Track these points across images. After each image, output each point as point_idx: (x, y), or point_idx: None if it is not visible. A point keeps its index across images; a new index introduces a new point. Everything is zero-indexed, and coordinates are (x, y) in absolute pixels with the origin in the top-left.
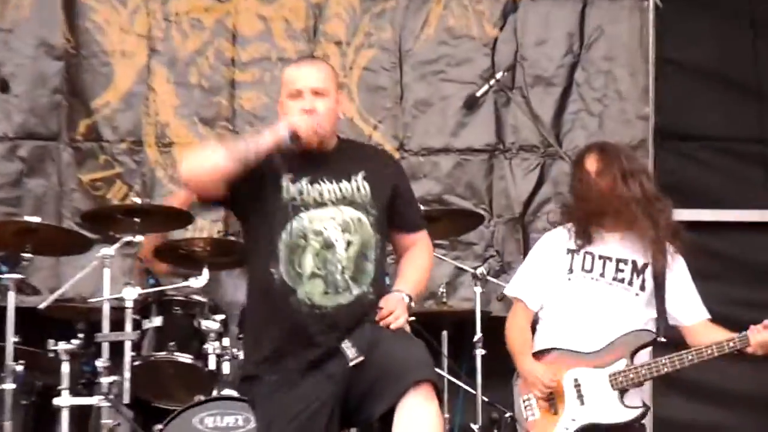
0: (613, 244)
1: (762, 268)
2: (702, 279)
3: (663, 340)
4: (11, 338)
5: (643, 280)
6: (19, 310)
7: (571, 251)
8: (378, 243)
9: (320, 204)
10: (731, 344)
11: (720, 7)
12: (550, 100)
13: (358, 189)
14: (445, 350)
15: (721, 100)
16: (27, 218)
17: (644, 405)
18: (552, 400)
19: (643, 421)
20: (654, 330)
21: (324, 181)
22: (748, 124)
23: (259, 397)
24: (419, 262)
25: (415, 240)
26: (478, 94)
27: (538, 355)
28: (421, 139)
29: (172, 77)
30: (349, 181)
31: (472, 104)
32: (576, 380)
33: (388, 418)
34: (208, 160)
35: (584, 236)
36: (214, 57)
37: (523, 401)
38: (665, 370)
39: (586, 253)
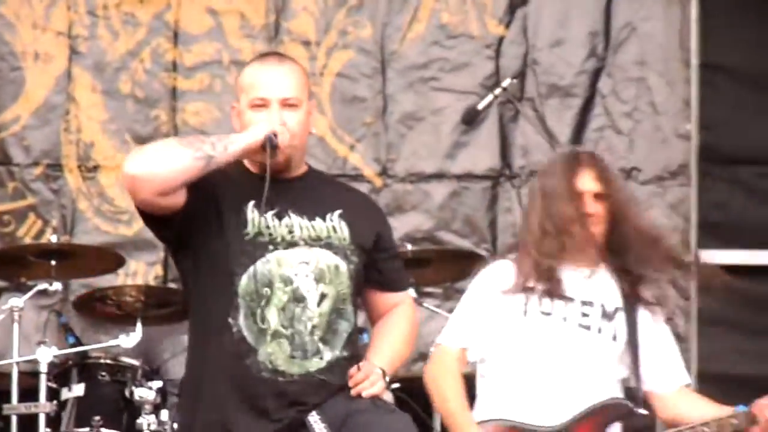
0: (574, 283)
1: None
2: (752, 334)
3: (644, 412)
4: None
5: (615, 329)
6: None
7: (525, 289)
8: (354, 297)
9: (290, 244)
10: (734, 422)
11: None
12: (569, 114)
13: (334, 230)
14: (438, 425)
15: None
16: None
17: None
18: None
19: None
20: (624, 397)
21: (292, 216)
22: None
23: None
24: (399, 330)
25: (396, 302)
26: (480, 106)
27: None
28: (408, 162)
29: (98, 85)
30: (323, 218)
31: (471, 119)
32: None
33: None
34: (171, 154)
35: (550, 277)
36: (151, 60)
37: None
38: None
39: (543, 291)
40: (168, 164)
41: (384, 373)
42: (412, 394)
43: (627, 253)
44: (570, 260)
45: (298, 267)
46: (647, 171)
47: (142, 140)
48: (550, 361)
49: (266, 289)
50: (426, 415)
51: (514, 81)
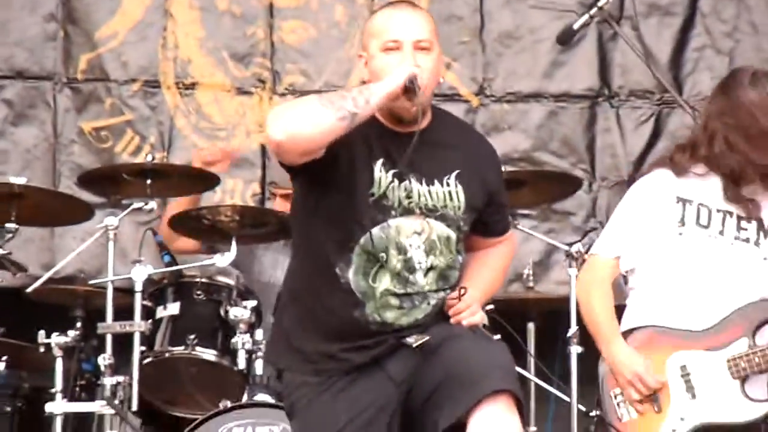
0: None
1: None
2: None
3: None
4: None
5: None
6: (2, 293)
7: (682, 200)
8: (460, 259)
9: (407, 210)
10: None
11: None
12: (668, 33)
13: (450, 197)
14: (531, 347)
15: None
16: (12, 179)
17: None
18: (653, 394)
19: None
20: None
21: (412, 180)
22: None
23: (297, 403)
24: (496, 262)
25: (498, 241)
26: (576, 25)
27: (626, 335)
28: (506, 81)
29: (195, 2)
30: (441, 182)
31: (568, 38)
32: (684, 368)
33: None
34: (314, 117)
35: (737, 194)
36: None
37: (614, 396)
38: None
39: (701, 204)
40: (313, 128)
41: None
42: (506, 314)
43: None
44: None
45: (412, 237)
46: None
47: (239, 57)
48: (705, 272)
49: (382, 254)
50: (518, 335)
51: (611, 0)
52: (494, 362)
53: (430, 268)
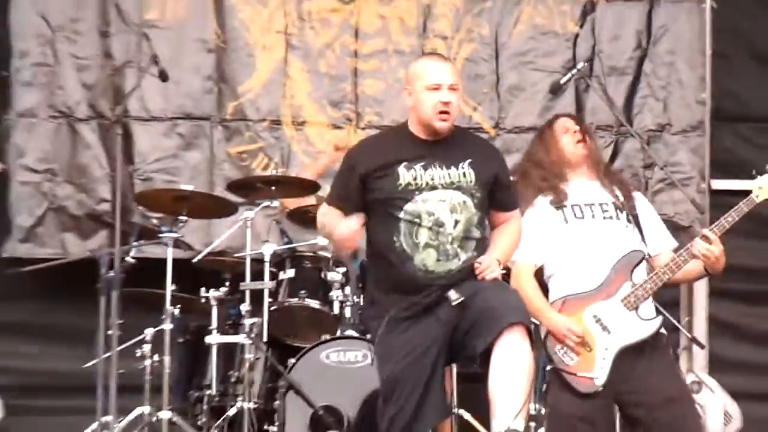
0: (587, 191)
1: None
2: (744, 236)
3: (651, 253)
4: (170, 287)
5: (627, 215)
6: (177, 263)
7: (559, 207)
8: (480, 219)
9: (432, 187)
10: (680, 259)
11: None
12: (622, 87)
13: (464, 175)
14: None
15: None
16: (183, 186)
17: (659, 313)
18: (582, 339)
19: (663, 331)
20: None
21: (435, 167)
22: None
23: (378, 336)
24: (510, 233)
25: (509, 217)
26: (562, 81)
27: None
28: (513, 119)
29: (305, 67)
30: (456, 167)
31: (556, 90)
32: (595, 316)
33: (486, 354)
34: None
35: (559, 192)
36: (341, 50)
37: (558, 350)
38: (665, 277)
39: (573, 205)
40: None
41: (499, 263)
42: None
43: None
44: (579, 176)
45: (437, 204)
46: (676, 126)
47: (334, 104)
48: (591, 248)
49: (417, 219)
50: None
51: (585, 64)
52: (510, 303)
53: (456, 222)
